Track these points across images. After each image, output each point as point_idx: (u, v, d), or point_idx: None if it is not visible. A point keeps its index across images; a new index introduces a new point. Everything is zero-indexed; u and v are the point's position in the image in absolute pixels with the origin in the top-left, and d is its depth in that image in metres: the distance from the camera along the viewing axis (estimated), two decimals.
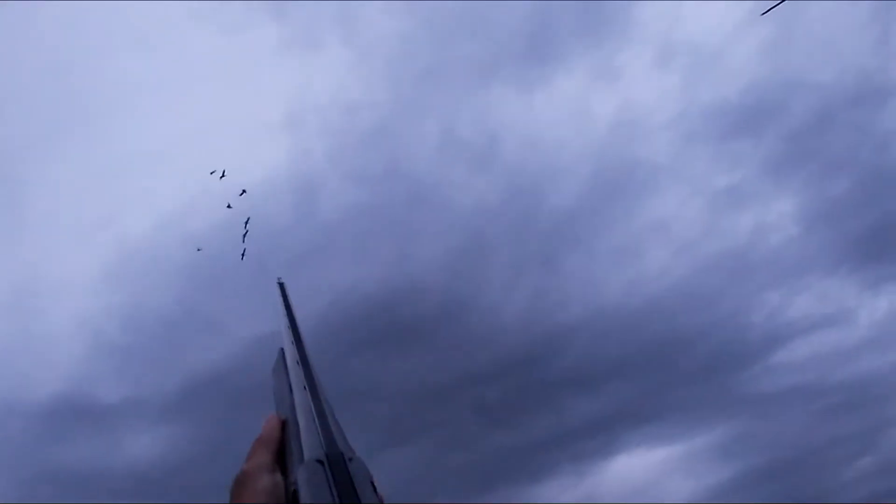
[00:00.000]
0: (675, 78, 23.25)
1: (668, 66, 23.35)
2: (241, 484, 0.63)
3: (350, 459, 0.54)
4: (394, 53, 22.51)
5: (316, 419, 0.63)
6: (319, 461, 0.54)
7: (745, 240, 21.94)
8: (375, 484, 0.53)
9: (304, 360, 0.78)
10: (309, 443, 0.60)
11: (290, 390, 0.75)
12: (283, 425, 0.71)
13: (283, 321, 0.92)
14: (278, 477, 0.63)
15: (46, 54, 20.30)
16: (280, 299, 0.99)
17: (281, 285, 1.01)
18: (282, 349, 0.89)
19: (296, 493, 0.53)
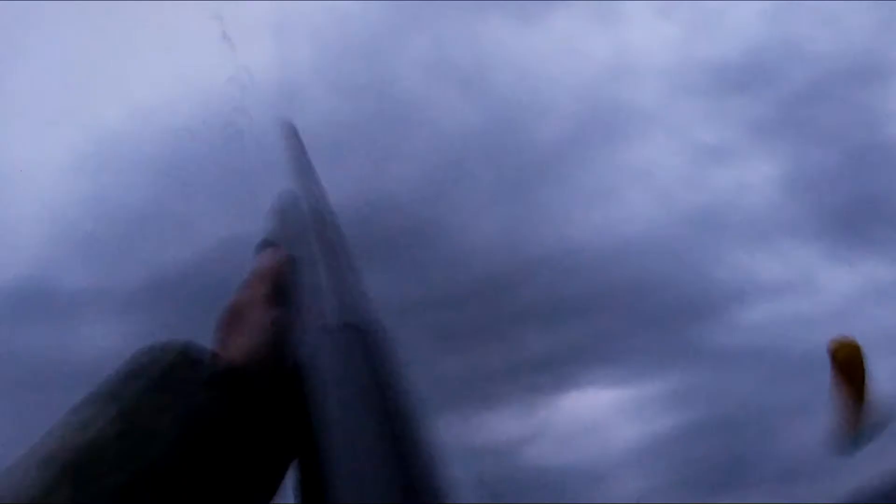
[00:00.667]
0: (675, 29, 23.00)
1: (670, 17, 23.06)
2: (232, 316, 0.56)
3: (377, 331, 0.46)
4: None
5: (343, 276, 0.55)
6: (344, 326, 0.46)
7: (724, 197, 22.15)
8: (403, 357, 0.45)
9: (323, 211, 0.69)
10: (339, 303, 0.51)
11: (299, 238, 0.66)
12: (285, 264, 0.62)
13: (293, 166, 0.81)
14: (277, 312, 0.55)
15: None
16: (288, 143, 0.86)
17: (288, 127, 0.89)
18: (284, 193, 0.78)
19: (304, 356, 0.46)
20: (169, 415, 0.44)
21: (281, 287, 0.59)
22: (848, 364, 5.91)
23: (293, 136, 0.87)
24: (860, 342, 6.09)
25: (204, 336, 0.57)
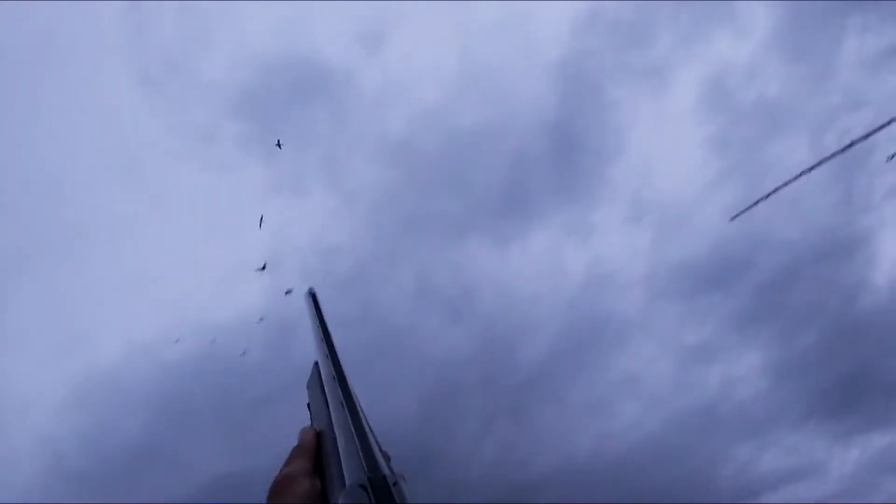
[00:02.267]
0: (645, 235, 24.15)
1: (639, 224, 24.29)
2: (279, 487, 0.63)
3: (394, 484, 0.51)
4: (376, 202, 23.31)
5: (356, 440, 0.60)
6: (362, 486, 0.51)
7: (715, 394, 22.08)
8: None
9: (339, 374, 0.76)
10: (350, 465, 0.57)
11: (327, 405, 0.73)
12: (319, 437, 0.71)
13: (316, 333, 0.88)
14: (317, 484, 0.62)
15: (39, 174, 20.81)
16: (311, 310, 0.95)
17: (313, 296, 0.97)
18: (316, 362, 0.86)
19: None
20: None
21: (318, 459, 0.67)
22: None
23: (315, 304, 0.95)
24: None
25: None
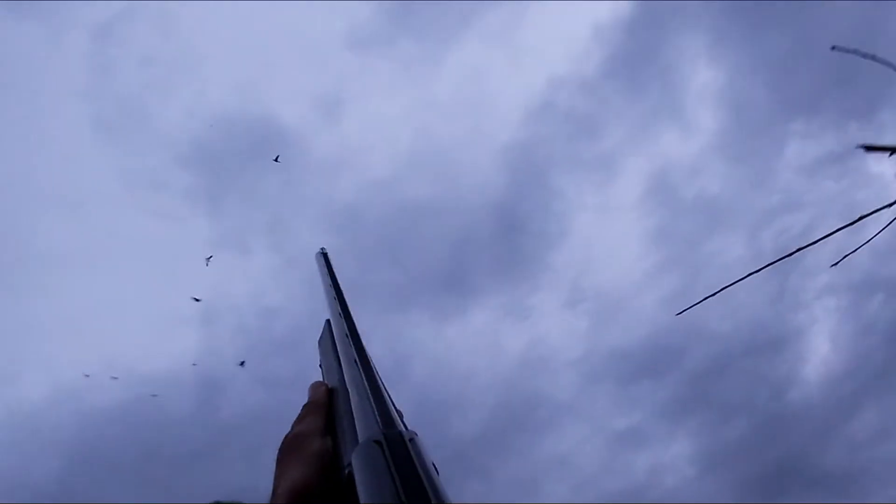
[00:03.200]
0: (582, 321, 24.52)
1: (577, 309, 24.70)
2: (290, 445, 0.61)
3: (410, 440, 0.49)
4: (316, 266, 23.41)
5: (370, 396, 0.59)
6: (377, 441, 0.48)
7: (642, 479, 22.21)
8: (436, 465, 0.48)
9: (352, 332, 0.75)
10: (364, 422, 0.56)
11: (339, 363, 0.72)
12: (331, 393, 0.69)
13: (329, 292, 0.88)
14: (328, 442, 0.60)
15: None
16: (323, 269, 0.94)
17: (324, 255, 0.97)
18: (328, 320, 0.85)
19: (351, 474, 0.48)
20: None
21: (330, 417, 0.65)
22: None
23: (326, 264, 0.95)
24: None
25: None
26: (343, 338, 0.75)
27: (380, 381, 0.63)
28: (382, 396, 0.59)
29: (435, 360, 23.76)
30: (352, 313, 0.81)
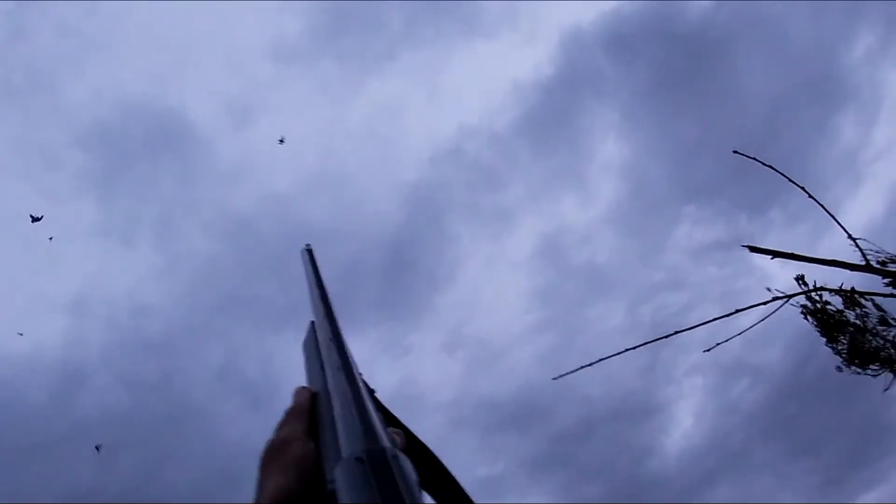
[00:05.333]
0: (457, 366, 24.77)
1: (454, 354, 24.94)
2: (273, 451, 0.60)
3: (394, 456, 0.47)
4: (200, 274, 22.73)
5: (354, 407, 0.57)
6: (360, 458, 0.47)
7: None
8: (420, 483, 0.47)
9: (337, 336, 0.72)
10: (347, 435, 0.54)
11: (322, 368, 0.71)
12: (315, 399, 0.68)
13: (313, 292, 0.85)
14: (311, 447, 0.59)
15: None
16: (308, 268, 0.90)
17: (309, 252, 0.93)
18: (312, 322, 0.83)
19: (334, 492, 0.47)
20: None
21: (313, 423, 0.64)
22: None
23: (311, 261, 0.91)
24: None
25: None
26: (327, 342, 0.73)
27: (364, 391, 0.61)
28: (366, 408, 0.57)
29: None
30: (336, 316, 0.78)
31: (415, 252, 25.50)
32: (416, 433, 0.71)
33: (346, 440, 0.53)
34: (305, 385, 0.74)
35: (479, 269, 26.78)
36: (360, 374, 0.65)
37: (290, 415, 0.66)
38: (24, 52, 21.67)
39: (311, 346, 0.80)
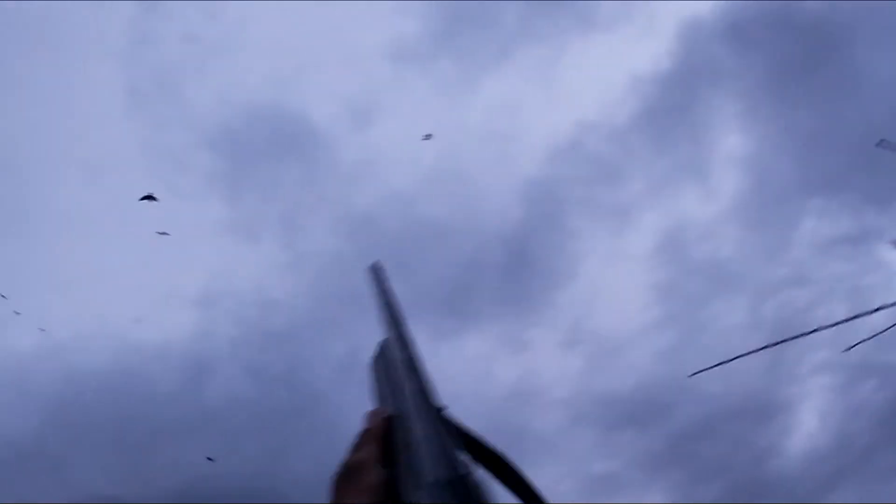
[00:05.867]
0: (576, 362, 24.54)
1: (573, 350, 24.72)
2: (346, 475, 0.59)
3: (477, 484, 0.48)
4: (325, 270, 23.37)
5: (434, 431, 0.56)
6: (445, 484, 0.47)
7: None
8: None
9: (412, 357, 0.70)
10: (429, 460, 0.53)
11: (396, 390, 0.69)
12: (390, 422, 0.66)
13: (383, 310, 0.82)
14: (386, 472, 0.58)
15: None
16: (376, 284, 0.88)
17: (378, 268, 0.91)
18: (382, 341, 0.81)
19: None
20: None
21: (388, 446, 0.62)
22: None
23: (380, 278, 0.88)
24: None
25: None
26: (401, 364, 0.71)
27: (443, 415, 0.61)
28: (447, 432, 0.56)
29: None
30: (411, 335, 0.75)
31: (534, 248, 25.37)
32: (492, 444, 0.71)
33: (427, 466, 0.52)
34: (377, 407, 0.72)
35: (599, 264, 26.35)
36: (435, 394, 0.64)
37: (365, 438, 0.64)
38: (150, 57, 22.80)
39: (382, 366, 0.79)
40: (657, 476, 22.62)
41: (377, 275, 0.89)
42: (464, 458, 0.53)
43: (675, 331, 23.98)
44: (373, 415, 0.68)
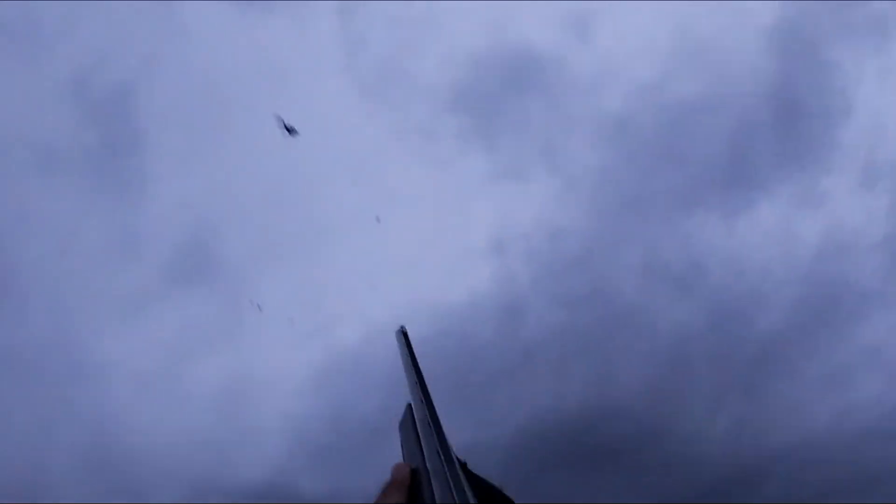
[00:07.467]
0: (881, 200, 22.53)
1: (874, 189, 22.72)
2: None
3: None
4: (597, 184, 23.45)
5: (453, 491, 0.61)
6: None
7: None
8: None
9: (434, 419, 0.75)
10: None
11: (420, 448, 0.74)
12: (413, 476, 0.70)
13: (409, 374, 0.87)
14: None
15: (284, 182, 22.86)
16: (403, 349, 0.92)
17: (404, 333, 0.94)
18: (409, 404, 0.85)
19: None
20: None
21: (412, 496, 0.66)
22: None
23: (406, 342, 0.92)
24: None
25: None
26: (424, 425, 0.76)
27: (461, 473, 0.64)
28: (465, 492, 0.60)
29: (728, 258, 23.01)
30: (432, 397, 0.80)
31: (799, 95, 23.28)
32: (508, 495, 0.75)
33: None
34: (403, 462, 0.76)
35: (874, 87, 23.76)
36: (456, 457, 0.69)
37: (390, 488, 0.69)
38: (368, 55, 23.91)
39: (409, 426, 0.82)
40: None
41: (404, 339, 0.94)
42: None
43: None
44: (397, 468, 0.73)
